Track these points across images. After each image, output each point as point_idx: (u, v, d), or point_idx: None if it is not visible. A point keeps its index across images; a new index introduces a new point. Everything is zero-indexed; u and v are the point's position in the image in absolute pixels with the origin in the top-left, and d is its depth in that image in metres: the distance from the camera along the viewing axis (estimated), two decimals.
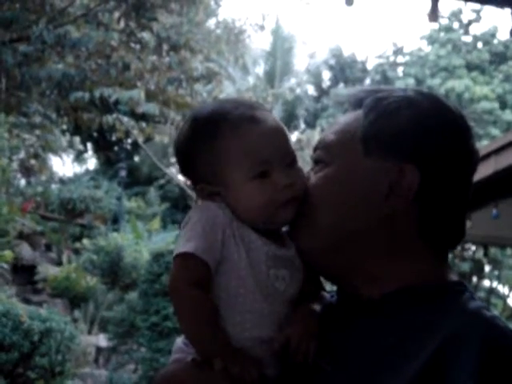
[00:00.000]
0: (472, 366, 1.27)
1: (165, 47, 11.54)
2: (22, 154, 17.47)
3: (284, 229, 1.62)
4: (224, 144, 1.54)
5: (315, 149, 1.61)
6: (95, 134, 27.37)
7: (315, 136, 17.30)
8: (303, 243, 1.56)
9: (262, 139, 1.54)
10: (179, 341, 1.57)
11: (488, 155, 8.28)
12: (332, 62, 36.48)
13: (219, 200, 1.55)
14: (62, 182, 25.75)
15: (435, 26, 31.54)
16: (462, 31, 32.89)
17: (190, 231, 1.50)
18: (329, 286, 1.69)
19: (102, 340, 14.86)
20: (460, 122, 1.54)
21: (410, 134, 1.49)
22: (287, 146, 1.59)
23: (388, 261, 1.50)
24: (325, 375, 1.46)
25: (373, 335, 1.45)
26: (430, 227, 1.50)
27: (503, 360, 1.29)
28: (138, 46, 11.68)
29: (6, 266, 14.21)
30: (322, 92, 35.70)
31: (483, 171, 8.20)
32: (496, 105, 29.93)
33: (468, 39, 33.31)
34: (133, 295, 13.58)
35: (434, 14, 4.73)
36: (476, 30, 33.64)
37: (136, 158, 31.24)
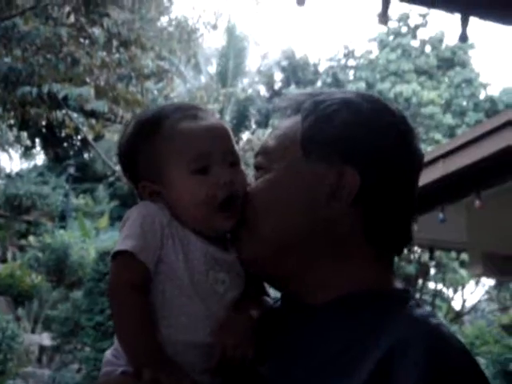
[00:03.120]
0: (417, 375, 1.25)
1: (115, 43, 11.39)
2: None
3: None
4: (164, 140, 1.53)
5: (256, 155, 1.58)
6: (44, 130, 26.97)
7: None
8: (244, 251, 1.53)
9: (202, 134, 1.53)
10: (108, 353, 1.53)
11: (436, 159, 8.37)
12: (284, 63, 36.60)
13: (159, 200, 1.53)
14: (9, 177, 25.33)
15: (384, 28, 31.88)
16: (410, 35, 33.28)
17: (127, 229, 1.47)
18: (272, 291, 1.66)
19: (46, 339, 14.66)
20: (401, 123, 1.51)
21: (349, 136, 1.46)
22: (229, 144, 1.57)
23: (331, 267, 1.47)
24: (264, 382, 1.42)
25: (315, 343, 1.42)
26: (374, 231, 1.47)
27: (447, 369, 1.27)
28: (87, 41, 11.51)
29: None
30: (274, 93, 35.79)
31: (431, 175, 8.29)
32: (437, 109, 30.38)
33: (416, 44, 33.73)
34: (78, 294, 13.43)
35: (384, 17, 4.75)
36: (423, 34, 33.95)
37: (85, 155, 30.89)
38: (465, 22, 4.81)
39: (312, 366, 1.39)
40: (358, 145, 1.46)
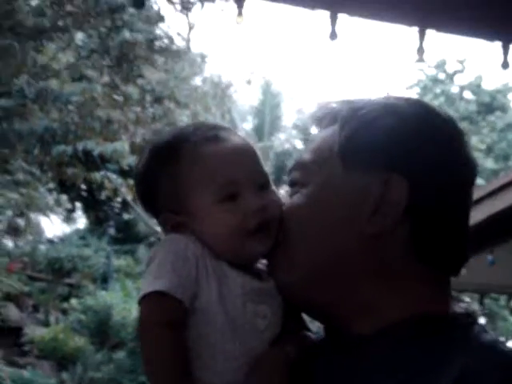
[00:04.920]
0: None
1: (148, 98, 11.47)
2: (8, 214, 17.29)
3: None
4: (185, 167, 1.40)
5: (290, 171, 1.42)
6: (84, 194, 27.28)
7: None
8: (281, 277, 1.35)
9: (227, 158, 1.39)
10: None
11: (482, 199, 8.12)
12: None
13: (185, 231, 1.37)
14: (51, 242, 25.52)
15: (422, 76, 31.89)
16: (448, 81, 33.30)
17: (157, 268, 1.31)
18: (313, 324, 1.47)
19: None
20: (450, 126, 1.35)
21: (393, 142, 1.29)
22: (257, 165, 1.42)
23: (380, 289, 1.28)
24: None
25: (367, 377, 1.23)
26: (426, 248, 1.28)
27: None
28: (121, 98, 11.59)
29: None
30: None
31: (477, 215, 8.04)
32: (479, 154, 30.14)
33: (455, 90, 33.71)
34: (121, 354, 13.31)
35: (420, 51, 4.61)
36: (461, 80, 33.99)
37: (126, 216, 31.09)
38: (506, 50, 4.65)
39: None
40: (403, 151, 1.29)
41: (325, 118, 1.42)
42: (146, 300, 1.29)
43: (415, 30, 4.65)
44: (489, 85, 33.69)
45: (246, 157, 1.42)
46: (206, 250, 1.35)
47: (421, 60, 4.69)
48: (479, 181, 28.97)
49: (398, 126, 1.31)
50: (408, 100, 1.39)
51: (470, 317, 1.30)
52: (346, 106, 1.38)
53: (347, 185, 1.30)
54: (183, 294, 1.28)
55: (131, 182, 14.46)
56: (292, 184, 1.40)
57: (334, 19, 4.35)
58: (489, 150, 31.13)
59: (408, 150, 1.29)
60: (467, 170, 1.35)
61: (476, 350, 1.20)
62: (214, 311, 1.31)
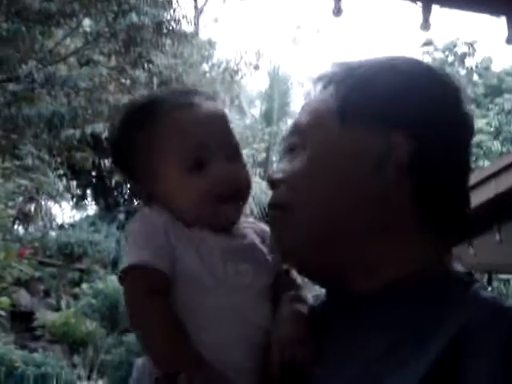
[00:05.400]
0: (492, 361, 1.09)
1: (156, 81, 11.45)
2: (18, 200, 17.36)
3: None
4: (157, 132, 1.39)
5: (287, 136, 1.41)
6: (94, 180, 27.33)
7: None
8: (285, 241, 1.35)
9: (197, 123, 1.38)
10: (140, 360, 1.41)
11: (488, 178, 8.09)
12: None
13: (159, 201, 1.39)
14: (62, 228, 25.59)
15: (429, 59, 31.60)
16: (457, 64, 33.03)
17: (134, 241, 1.35)
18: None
19: None
20: (448, 82, 1.35)
21: (393, 99, 1.28)
22: (227, 134, 1.42)
23: (383, 247, 1.28)
24: (318, 383, 1.25)
25: (372, 334, 1.24)
26: (428, 203, 1.28)
27: None
28: (128, 81, 11.58)
29: (3, 312, 14.03)
30: None
31: (483, 194, 8.01)
32: (485, 137, 29.90)
33: (463, 72, 33.42)
34: (131, 337, 13.37)
35: (426, 24, 4.58)
36: (470, 63, 33.67)
37: (136, 202, 31.13)
38: (511, 24, 4.62)
39: (366, 360, 1.21)
40: (404, 106, 1.28)
41: (321, 80, 1.40)
42: (128, 274, 1.33)
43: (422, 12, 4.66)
44: (497, 66, 33.40)
45: (216, 124, 1.41)
46: (175, 219, 1.36)
47: (428, 43, 4.69)
48: (487, 164, 28.79)
49: (397, 82, 1.30)
50: (404, 58, 1.38)
51: (471, 275, 1.31)
52: (342, 67, 1.37)
53: (348, 144, 1.29)
54: (160, 262, 1.31)
55: None
56: (290, 149, 1.38)
57: None
58: (497, 133, 30.91)
59: (409, 106, 1.28)
60: (466, 125, 1.35)
61: (476, 305, 1.20)
62: (196, 274, 1.33)
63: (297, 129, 1.38)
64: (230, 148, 1.40)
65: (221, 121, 1.42)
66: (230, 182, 1.37)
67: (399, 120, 1.28)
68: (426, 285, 1.25)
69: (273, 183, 1.38)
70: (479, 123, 30.16)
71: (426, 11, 4.58)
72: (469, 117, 1.35)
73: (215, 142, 1.38)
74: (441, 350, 1.13)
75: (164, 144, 1.38)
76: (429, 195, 1.28)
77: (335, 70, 1.38)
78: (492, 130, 30.65)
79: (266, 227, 1.44)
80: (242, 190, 1.39)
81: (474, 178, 8.77)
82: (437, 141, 1.28)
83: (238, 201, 1.39)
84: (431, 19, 4.76)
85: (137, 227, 1.37)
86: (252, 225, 1.47)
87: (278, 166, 1.41)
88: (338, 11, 4.34)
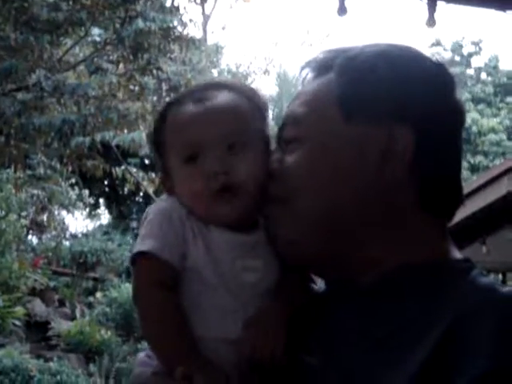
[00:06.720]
0: (489, 346, 1.09)
1: (164, 87, 11.50)
2: (31, 210, 17.42)
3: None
4: (166, 128, 1.45)
5: (282, 127, 1.39)
6: (107, 189, 27.43)
7: None
8: (286, 235, 1.34)
9: (195, 119, 1.40)
10: (141, 354, 1.43)
11: (501, 175, 8.06)
12: None
13: (173, 193, 1.43)
14: (75, 237, 25.67)
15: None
16: (464, 64, 33.00)
17: (146, 229, 1.37)
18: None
19: None
20: (444, 71, 1.36)
21: (394, 90, 1.29)
22: (230, 124, 1.40)
23: (384, 239, 1.29)
24: (314, 373, 1.25)
25: (370, 324, 1.24)
26: (430, 194, 1.29)
27: None
28: (137, 88, 11.63)
29: (18, 322, 14.09)
30: None
31: (496, 193, 7.98)
32: (504, 136, 29.87)
33: (471, 72, 33.42)
34: (146, 345, 13.35)
35: (431, 20, 4.59)
36: (477, 62, 33.71)
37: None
38: None
39: (365, 349, 1.21)
40: (404, 99, 1.28)
41: (316, 66, 1.39)
42: (137, 262, 1.34)
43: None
44: (506, 65, 33.35)
45: (215, 117, 1.40)
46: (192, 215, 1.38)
47: (437, 44, 4.66)
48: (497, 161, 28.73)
49: (395, 74, 1.30)
50: (398, 46, 1.38)
51: (469, 262, 1.30)
52: (341, 55, 1.36)
53: (350, 136, 1.29)
54: (170, 254, 1.32)
55: (153, 175, 14.53)
56: (287, 141, 1.37)
57: None
58: (508, 132, 30.84)
59: (407, 98, 1.28)
60: (460, 112, 1.36)
61: (474, 290, 1.20)
62: (203, 269, 1.34)
63: (294, 119, 1.36)
64: (229, 139, 1.39)
65: (222, 113, 1.41)
66: (219, 176, 1.35)
67: (400, 113, 1.28)
68: (425, 273, 1.25)
69: (271, 174, 1.37)
70: (491, 122, 30.14)
71: (432, 7, 4.58)
72: (461, 104, 1.36)
73: (211, 136, 1.37)
74: (437, 339, 1.13)
75: (169, 140, 1.43)
76: (431, 186, 1.29)
77: (333, 57, 1.37)
78: (503, 128, 30.63)
79: None
80: (234, 184, 1.37)
81: (485, 176, 8.73)
82: (436, 131, 1.29)
83: (232, 195, 1.36)
84: (436, 16, 4.77)
85: (155, 213, 1.39)
86: None
87: (274, 157, 1.39)
88: (342, 10, 4.34)
